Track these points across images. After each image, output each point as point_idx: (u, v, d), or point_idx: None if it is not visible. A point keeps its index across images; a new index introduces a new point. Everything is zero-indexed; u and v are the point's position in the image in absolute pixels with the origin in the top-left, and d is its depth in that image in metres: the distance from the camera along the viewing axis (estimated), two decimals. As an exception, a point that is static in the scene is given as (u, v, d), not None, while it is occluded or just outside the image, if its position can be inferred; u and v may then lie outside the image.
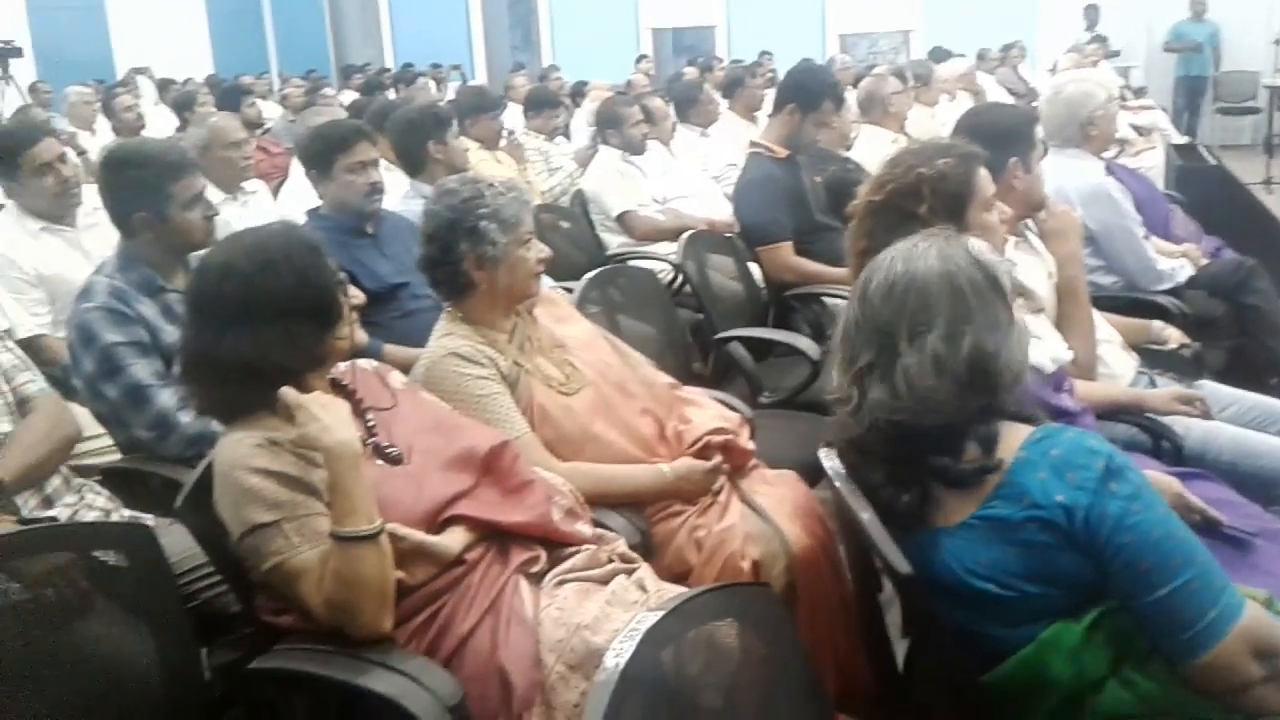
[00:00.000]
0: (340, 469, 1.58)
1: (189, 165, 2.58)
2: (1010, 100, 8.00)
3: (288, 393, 1.61)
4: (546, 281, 3.74)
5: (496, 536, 1.80)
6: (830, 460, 1.61)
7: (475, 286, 2.18)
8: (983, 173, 2.09)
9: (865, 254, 2.11)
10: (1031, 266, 2.51)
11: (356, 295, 1.81)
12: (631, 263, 4.50)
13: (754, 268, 3.88)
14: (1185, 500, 1.90)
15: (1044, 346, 2.12)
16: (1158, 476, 1.96)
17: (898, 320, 1.49)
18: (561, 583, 1.77)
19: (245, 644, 1.80)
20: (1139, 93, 9.37)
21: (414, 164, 3.65)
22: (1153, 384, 2.67)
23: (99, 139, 6.93)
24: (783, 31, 12.67)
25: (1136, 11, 11.83)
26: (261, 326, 1.66)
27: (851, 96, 5.25)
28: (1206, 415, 2.34)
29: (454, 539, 1.74)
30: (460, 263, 2.16)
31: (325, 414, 1.60)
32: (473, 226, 2.15)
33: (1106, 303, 3.20)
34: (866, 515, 1.49)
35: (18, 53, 9.68)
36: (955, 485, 1.47)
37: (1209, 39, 11.62)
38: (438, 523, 1.75)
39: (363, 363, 1.97)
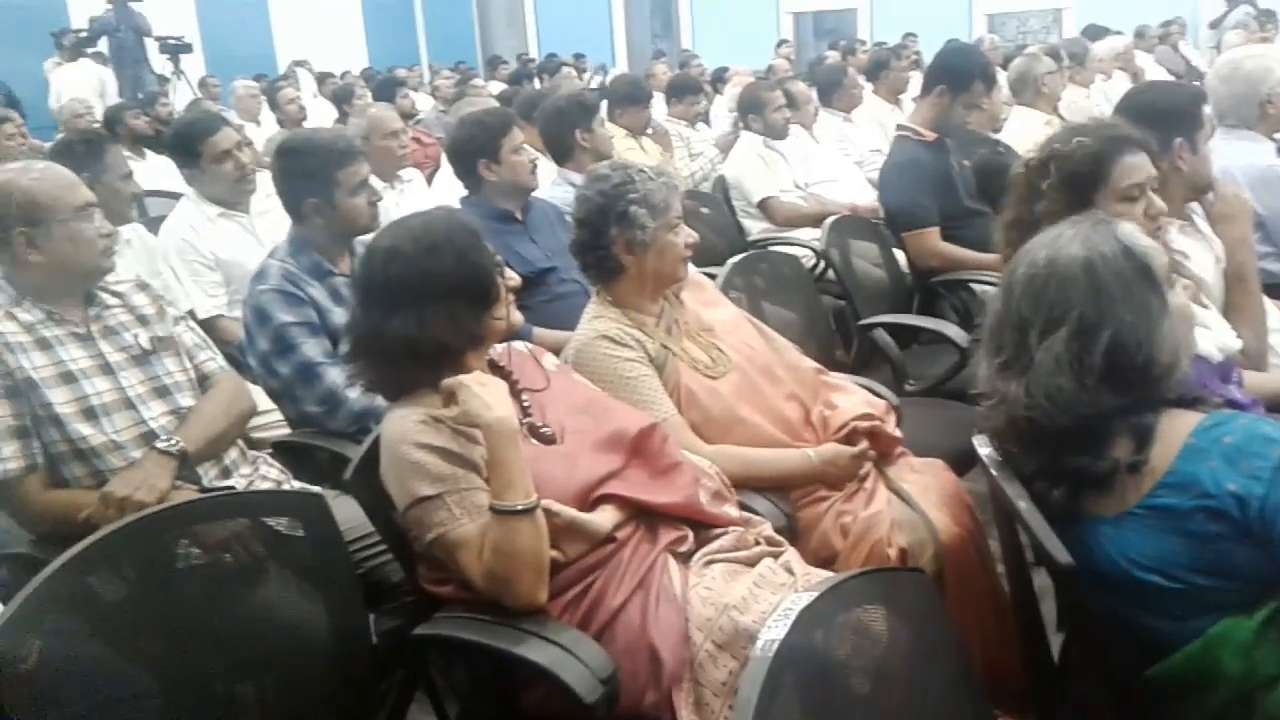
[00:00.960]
0: (499, 444, 1.64)
1: (355, 153, 2.70)
2: (1170, 80, 7.65)
3: (448, 381, 1.68)
4: (690, 267, 3.82)
5: (645, 516, 1.84)
6: (985, 447, 1.59)
7: (625, 270, 2.22)
8: (1127, 161, 2.00)
9: (1011, 227, 2.08)
10: (1198, 251, 2.41)
11: (513, 278, 1.87)
12: (773, 248, 4.50)
13: (899, 254, 3.82)
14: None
15: (1211, 335, 2.03)
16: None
17: (1034, 315, 1.47)
18: (710, 563, 1.80)
19: (408, 611, 1.88)
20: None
21: (562, 152, 3.72)
22: (1328, 376, 2.53)
23: (264, 130, 7.29)
24: (927, 12, 12.36)
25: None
26: (425, 307, 1.73)
27: (1002, 77, 5.10)
28: None
29: (606, 517, 1.78)
30: (611, 246, 2.21)
31: (485, 392, 1.66)
32: (623, 211, 2.19)
33: (1275, 291, 3.04)
34: (1024, 504, 1.47)
35: (188, 49, 10.26)
36: (1094, 486, 1.44)
37: None
38: (589, 501, 1.80)
39: (517, 345, 2.03)
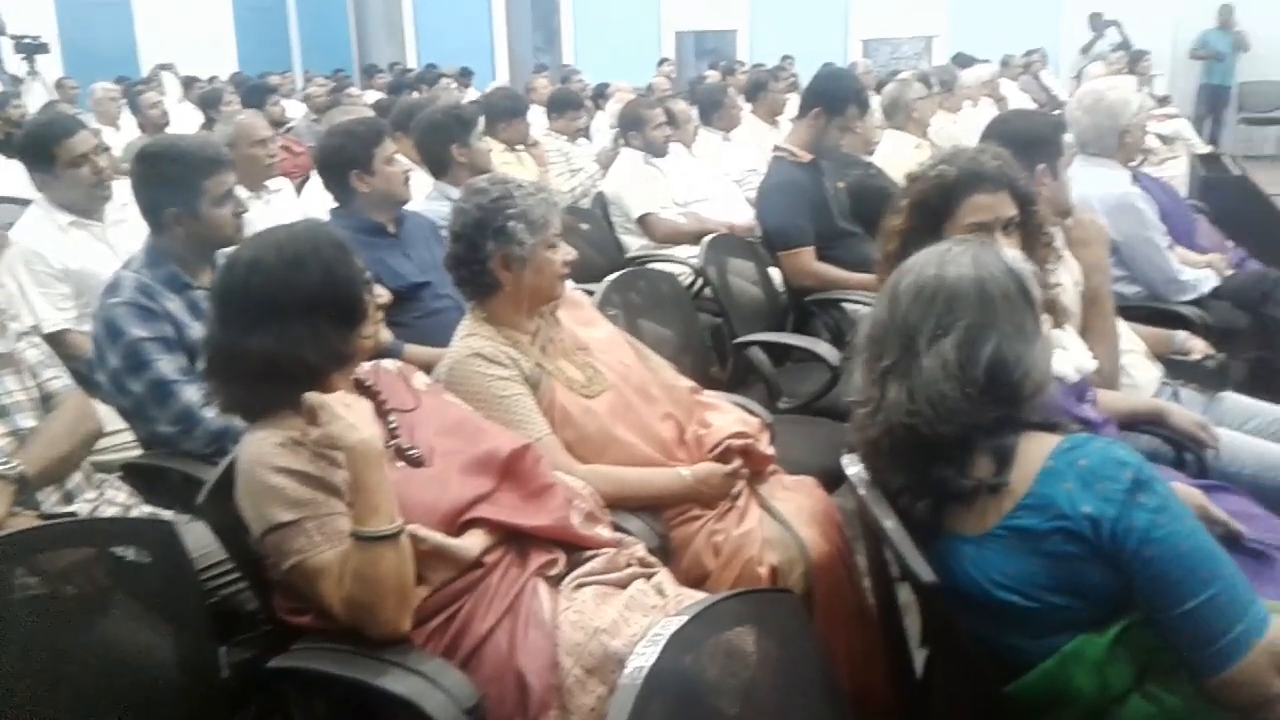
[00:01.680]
0: (362, 468, 1.59)
1: (222, 161, 2.59)
2: (1033, 107, 7.98)
3: (311, 396, 1.62)
4: (567, 284, 3.80)
5: (516, 539, 1.80)
6: (853, 465, 1.60)
7: (501, 286, 2.19)
8: (975, 200, 2.03)
9: (889, 258, 2.12)
10: (1058, 274, 2.49)
11: (382, 294, 1.81)
12: (652, 265, 4.51)
13: (775, 272, 3.87)
14: (1209, 512, 1.89)
15: (1068, 356, 2.10)
16: (1181, 488, 1.94)
17: (922, 322, 1.49)
18: (580, 586, 1.77)
19: (262, 643, 1.80)
20: (1163, 101, 9.31)
21: (438, 165, 3.65)
22: (1176, 395, 2.65)
23: (124, 135, 6.98)
24: (805, 36, 12.64)
25: (1161, 18, 11.77)
26: (287, 323, 1.66)
27: (876, 101, 5.24)
28: (1214, 450, 2.29)
29: (474, 541, 1.74)
30: (487, 261, 2.17)
31: (348, 413, 1.60)
32: (501, 226, 2.15)
33: (1131, 313, 3.18)
34: (890, 522, 1.48)
35: (44, 48, 9.78)
36: (957, 500, 1.47)
37: (1233, 47, 11.55)
38: (458, 525, 1.75)
39: (386, 363, 1.97)
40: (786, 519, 2.20)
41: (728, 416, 2.34)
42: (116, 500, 2.21)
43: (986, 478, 1.46)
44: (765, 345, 3.31)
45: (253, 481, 1.65)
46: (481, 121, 4.23)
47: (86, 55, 11.24)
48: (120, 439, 2.54)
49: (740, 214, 4.92)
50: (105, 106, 7.39)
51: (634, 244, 4.75)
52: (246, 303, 1.68)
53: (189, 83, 9.82)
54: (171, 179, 2.50)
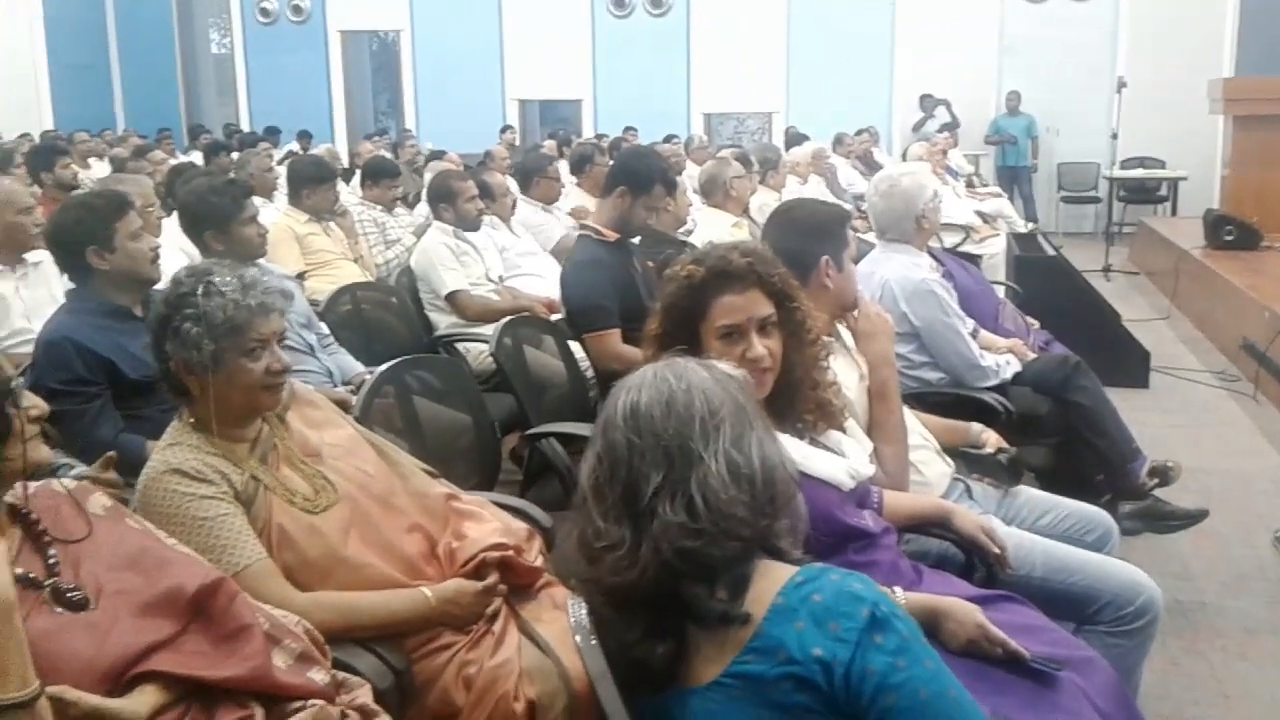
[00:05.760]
0: None
1: None
2: (864, 183, 8.15)
3: None
4: (355, 368, 3.53)
5: (201, 694, 1.53)
6: (578, 612, 1.40)
7: (190, 392, 1.93)
8: (725, 301, 1.88)
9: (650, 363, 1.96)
10: (844, 370, 2.38)
11: (36, 405, 1.53)
12: (460, 344, 4.31)
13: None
14: (987, 632, 1.77)
15: (842, 462, 1.97)
16: (959, 604, 1.83)
17: (688, 429, 1.32)
18: (275, 749, 1.51)
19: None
20: (970, 180, 9.69)
21: (201, 248, 3.33)
22: (969, 490, 2.57)
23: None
24: (649, 107, 12.77)
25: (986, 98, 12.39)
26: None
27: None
28: (1003, 564, 2.20)
29: (140, 700, 1.45)
30: (168, 363, 1.92)
31: None
32: (176, 327, 1.90)
33: (932, 399, 3.13)
34: (604, 681, 1.28)
35: None
36: (702, 623, 1.29)
37: (1024, 131, 12.23)
38: (124, 680, 1.47)
39: (58, 484, 1.68)
40: (549, 645, 1.97)
41: (486, 526, 2.12)
42: None
43: (726, 604, 1.29)
44: (561, 436, 3.11)
45: None
46: (276, 192, 3.94)
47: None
48: None
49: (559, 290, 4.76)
50: (-124, 166, 6.77)
51: (443, 321, 4.52)
52: None
53: (-16, 142, 9.16)
54: None
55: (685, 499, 1.31)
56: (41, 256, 3.89)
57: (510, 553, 2.07)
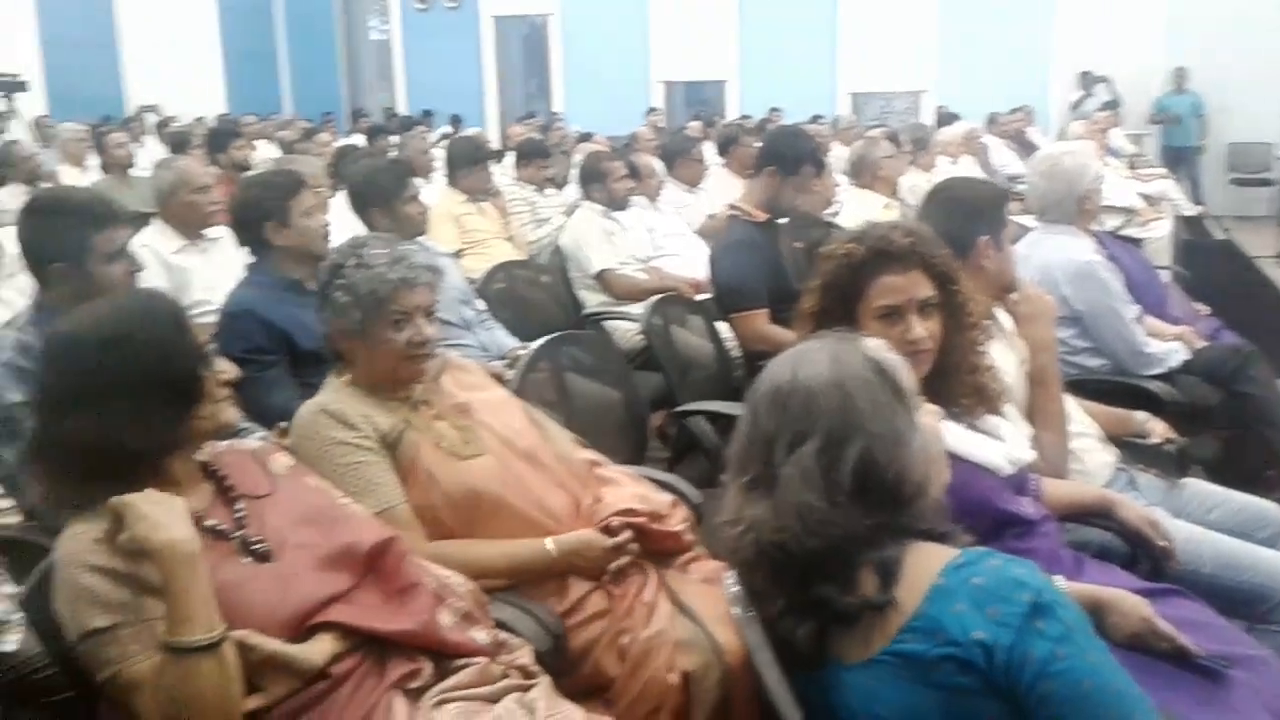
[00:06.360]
0: (172, 572, 1.41)
1: (114, 217, 2.48)
2: (1018, 163, 7.88)
3: (112, 501, 1.45)
4: (508, 343, 3.62)
5: (374, 646, 1.61)
6: (733, 586, 1.42)
7: (344, 356, 2.03)
8: (885, 281, 1.85)
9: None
10: (1001, 353, 2.32)
11: (227, 370, 1.64)
12: (608, 323, 4.37)
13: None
14: (1153, 625, 1.70)
15: (1000, 447, 1.93)
16: (1123, 596, 1.77)
17: (779, 430, 1.34)
18: (441, 702, 1.58)
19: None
20: (1134, 160, 9.21)
21: (368, 221, 3.47)
22: (1133, 482, 2.47)
23: (89, 175, 6.86)
24: (794, 88, 12.60)
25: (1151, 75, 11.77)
26: (107, 407, 1.49)
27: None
28: (1169, 557, 2.11)
29: (318, 648, 1.54)
30: (327, 329, 2.02)
31: (155, 510, 1.42)
32: (328, 296, 2.00)
33: (1093, 387, 3.01)
34: (762, 655, 1.30)
35: (21, 87, 9.70)
36: (841, 623, 1.29)
37: (1191, 110, 11.54)
38: (305, 629, 1.56)
39: (245, 443, 1.79)
40: (700, 618, 1.99)
41: (624, 491, 2.14)
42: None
43: (871, 595, 1.29)
44: (709, 414, 3.13)
45: (66, 582, 1.47)
46: (434, 173, 4.08)
47: (71, 94, 11.17)
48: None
49: (704, 270, 4.78)
50: (71, 147, 7.26)
51: (592, 300, 4.60)
52: (61, 385, 1.52)
53: (165, 123, 9.73)
54: (58, 233, 2.37)
55: (769, 496, 1.34)
56: (221, 233, 4.12)
57: (643, 519, 2.07)
